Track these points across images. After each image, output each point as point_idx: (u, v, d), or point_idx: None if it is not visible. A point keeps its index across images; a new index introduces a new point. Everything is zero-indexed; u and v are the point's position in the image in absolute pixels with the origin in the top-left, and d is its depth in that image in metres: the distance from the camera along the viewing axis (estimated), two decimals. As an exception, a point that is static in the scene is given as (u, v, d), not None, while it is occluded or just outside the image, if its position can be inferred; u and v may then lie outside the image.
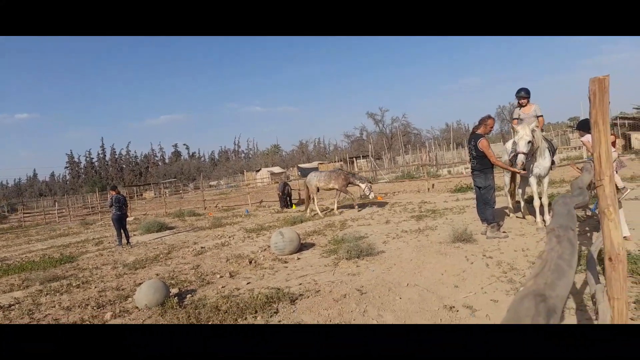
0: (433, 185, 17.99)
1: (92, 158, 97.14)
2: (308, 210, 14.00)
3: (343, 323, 4.25)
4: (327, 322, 4.33)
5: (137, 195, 51.30)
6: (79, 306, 5.96)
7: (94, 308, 5.78)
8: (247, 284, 6.21)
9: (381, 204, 14.46)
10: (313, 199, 14.17)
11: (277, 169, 63.90)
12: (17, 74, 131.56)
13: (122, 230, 12.12)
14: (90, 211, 31.78)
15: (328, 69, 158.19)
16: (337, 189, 13.95)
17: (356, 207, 13.81)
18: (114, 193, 12.61)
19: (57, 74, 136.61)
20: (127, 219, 13.34)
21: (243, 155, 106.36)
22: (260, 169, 65.31)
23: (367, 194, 13.84)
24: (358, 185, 14.09)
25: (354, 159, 50.09)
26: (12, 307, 6.37)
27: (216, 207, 23.70)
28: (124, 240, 12.06)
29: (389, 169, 32.54)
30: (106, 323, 5.14)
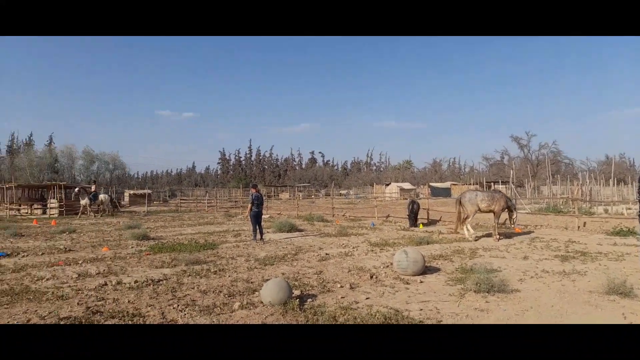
0: (584, 223, 15.85)
1: (241, 157, 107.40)
2: (465, 231, 13.28)
3: None
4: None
5: (274, 195, 55.07)
6: (213, 292, 6.54)
7: (226, 296, 6.28)
8: (366, 299, 6.15)
9: (520, 236, 13.20)
10: (466, 219, 13.48)
11: (407, 185, 62.94)
12: (188, 76, 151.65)
13: (257, 227, 13.05)
14: (233, 204, 35.02)
15: (469, 86, 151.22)
16: (494, 212, 13.16)
17: (496, 236, 12.82)
18: (254, 191, 13.64)
19: (221, 79, 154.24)
20: (263, 216, 14.35)
21: (374, 167, 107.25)
22: (390, 183, 65.05)
23: (513, 224, 13.54)
24: (511, 212, 13.40)
25: (492, 183, 46.87)
26: (160, 282, 7.26)
27: (343, 215, 24.18)
28: (258, 236, 12.95)
29: (532, 199, 29.66)
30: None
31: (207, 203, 33.80)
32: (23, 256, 10.18)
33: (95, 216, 24.65)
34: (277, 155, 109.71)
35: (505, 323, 4.95)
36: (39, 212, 27.39)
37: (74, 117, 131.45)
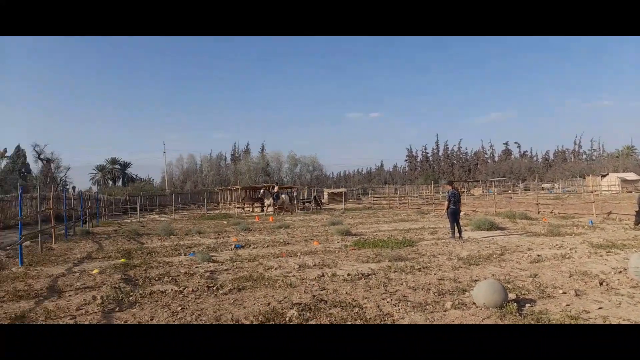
0: None
1: (427, 153, 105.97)
2: None
3: None
4: None
5: (465, 191, 52.80)
6: (422, 289, 6.64)
7: (435, 294, 6.30)
8: (599, 308, 5.40)
9: None
10: None
11: (630, 175, 52.85)
12: (373, 77, 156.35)
13: (455, 224, 12.72)
14: (424, 202, 34.85)
15: None
16: None
17: None
18: (450, 188, 13.33)
19: (405, 76, 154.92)
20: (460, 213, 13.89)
21: (584, 156, 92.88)
22: (607, 174, 55.48)
23: None
24: None
25: None
26: (370, 276, 7.70)
27: (551, 212, 21.65)
28: (457, 234, 12.61)
29: None
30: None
31: (399, 200, 34.41)
32: (254, 248, 12.07)
33: (293, 213, 27.47)
34: (465, 149, 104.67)
35: None
36: (258, 209, 32.01)
37: (280, 126, 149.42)
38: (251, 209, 32.82)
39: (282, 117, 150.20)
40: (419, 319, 5.21)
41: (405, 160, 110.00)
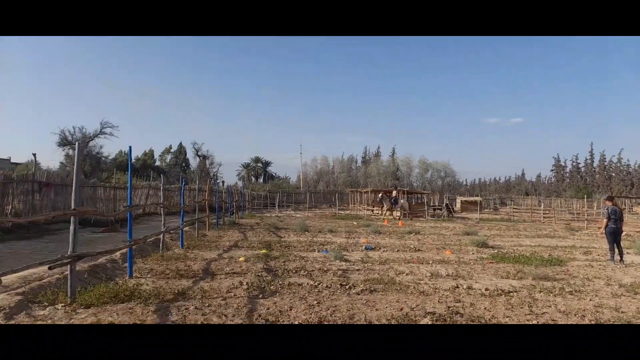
0: None
1: (579, 163, 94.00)
2: None
3: None
4: None
5: (627, 209, 45.76)
6: (575, 314, 5.93)
7: (591, 322, 5.58)
8: None
9: None
10: None
11: None
12: (517, 81, 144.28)
13: (615, 245, 11.12)
14: (574, 217, 31.06)
15: None
16: None
17: None
18: (610, 204, 11.71)
19: (553, 78, 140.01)
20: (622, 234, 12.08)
21: None
22: None
23: None
24: None
25: None
26: (511, 293, 7.12)
27: None
28: (617, 257, 11.00)
29: None
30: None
31: (543, 214, 31.26)
32: (384, 251, 12.08)
33: (413, 218, 26.77)
34: (627, 160, 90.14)
35: None
36: (387, 213, 31.98)
37: (412, 129, 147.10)
38: (380, 212, 32.91)
39: (413, 121, 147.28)
40: (571, 347, 4.66)
41: (552, 170, 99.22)
